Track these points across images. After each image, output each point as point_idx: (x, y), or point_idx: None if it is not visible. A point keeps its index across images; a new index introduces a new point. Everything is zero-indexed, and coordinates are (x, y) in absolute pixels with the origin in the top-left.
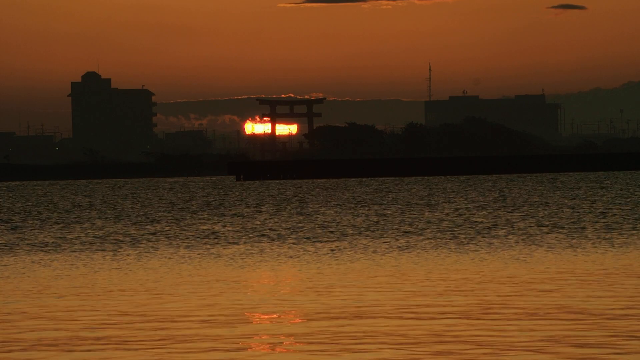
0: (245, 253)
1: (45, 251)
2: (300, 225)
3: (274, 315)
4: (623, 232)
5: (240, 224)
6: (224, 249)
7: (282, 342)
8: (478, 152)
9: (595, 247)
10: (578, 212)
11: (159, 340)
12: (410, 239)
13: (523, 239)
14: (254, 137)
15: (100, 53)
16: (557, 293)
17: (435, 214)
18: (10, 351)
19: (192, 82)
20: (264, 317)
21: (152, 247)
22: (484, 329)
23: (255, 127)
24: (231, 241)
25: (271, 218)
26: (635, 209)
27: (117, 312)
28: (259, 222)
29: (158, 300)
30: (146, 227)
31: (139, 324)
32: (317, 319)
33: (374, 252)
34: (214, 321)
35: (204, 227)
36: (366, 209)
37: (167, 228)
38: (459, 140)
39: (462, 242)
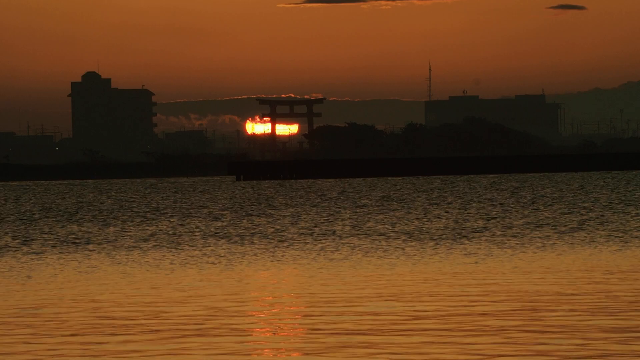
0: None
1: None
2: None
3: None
4: None
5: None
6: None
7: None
8: (478, 152)
9: None
10: None
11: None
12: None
13: None
14: (254, 137)
15: (100, 53)
16: None
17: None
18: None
19: (192, 82)
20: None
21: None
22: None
23: (256, 127)
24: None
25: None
26: None
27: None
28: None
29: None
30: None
31: (139, 332)
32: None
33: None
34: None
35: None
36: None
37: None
38: (459, 140)
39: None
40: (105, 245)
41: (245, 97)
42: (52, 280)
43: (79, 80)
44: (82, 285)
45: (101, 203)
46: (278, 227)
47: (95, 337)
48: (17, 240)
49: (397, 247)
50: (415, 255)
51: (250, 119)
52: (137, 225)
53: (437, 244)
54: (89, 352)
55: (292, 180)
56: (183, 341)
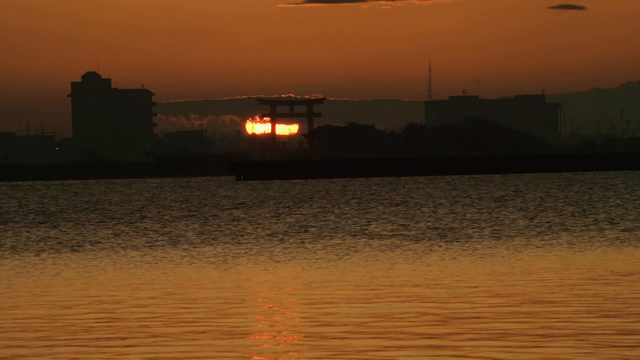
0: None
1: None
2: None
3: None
4: None
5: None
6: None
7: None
8: (478, 152)
9: None
10: None
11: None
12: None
13: None
14: (254, 137)
15: (100, 53)
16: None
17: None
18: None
19: (192, 82)
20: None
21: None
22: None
23: (256, 127)
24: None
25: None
26: None
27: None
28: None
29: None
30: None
31: (134, 337)
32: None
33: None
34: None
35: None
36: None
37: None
38: (459, 140)
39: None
40: (103, 246)
41: (245, 97)
42: (53, 281)
43: (79, 80)
44: (82, 285)
45: (102, 203)
46: (278, 227)
47: (96, 341)
48: (26, 240)
49: (405, 248)
50: (425, 255)
51: (250, 119)
52: (137, 224)
53: (444, 243)
54: (91, 353)
55: (292, 180)
56: (186, 342)
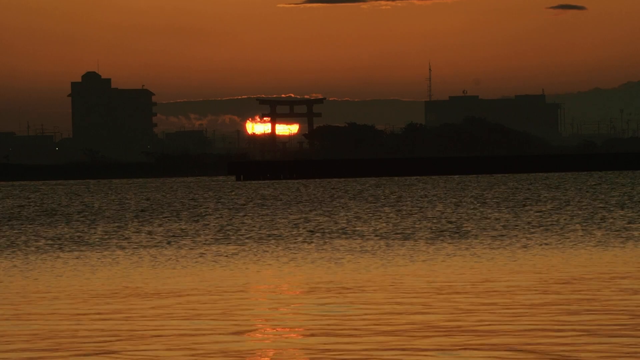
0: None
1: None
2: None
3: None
4: None
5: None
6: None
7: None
8: (478, 152)
9: None
10: None
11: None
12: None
13: None
14: (254, 137)
15: (100, 53)
16: None
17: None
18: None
19: (192, 82)
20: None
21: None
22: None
23: (256, 127)
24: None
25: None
26: None
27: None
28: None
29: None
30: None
31: (134, 335)
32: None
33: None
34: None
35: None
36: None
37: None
38: (459, 140)
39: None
40: (99, 246)
41: (245, 97)
42: (49, 279)
43: (79, 80)
44: (82, 285)
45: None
46: (281, 226)
47: (97, 343)
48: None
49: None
50: (424, 256)
51: (250, 119)
52: (135, 224)
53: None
54: (92, 354)
55: (292, 180)
56: (191, 344)
